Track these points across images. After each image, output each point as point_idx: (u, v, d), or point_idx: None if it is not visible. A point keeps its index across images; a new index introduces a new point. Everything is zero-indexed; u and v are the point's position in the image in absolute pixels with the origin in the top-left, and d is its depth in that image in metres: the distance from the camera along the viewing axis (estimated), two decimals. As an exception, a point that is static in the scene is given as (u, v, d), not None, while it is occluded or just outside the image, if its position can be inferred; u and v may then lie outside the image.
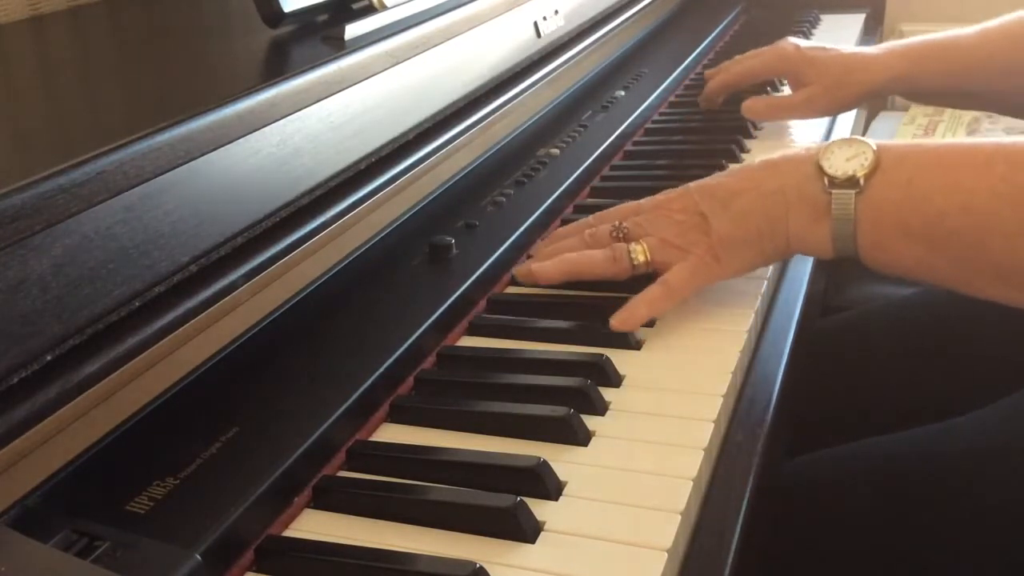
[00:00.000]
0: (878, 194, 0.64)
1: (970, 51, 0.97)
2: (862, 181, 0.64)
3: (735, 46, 1.43)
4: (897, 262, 0.66)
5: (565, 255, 0.73)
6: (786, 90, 1.12)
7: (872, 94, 1.03)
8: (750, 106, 1.05)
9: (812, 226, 0.67)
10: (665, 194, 0.74)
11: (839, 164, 0.66)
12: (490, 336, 0.69)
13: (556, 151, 0.96)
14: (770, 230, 0.68)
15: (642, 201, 0.75)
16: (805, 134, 1.06)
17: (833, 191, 0.65)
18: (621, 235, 0.72)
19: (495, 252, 0.75)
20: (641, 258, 0.70)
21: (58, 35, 0.96)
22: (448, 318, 0.68)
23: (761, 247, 0.69)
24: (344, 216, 0.68)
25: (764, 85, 1.14)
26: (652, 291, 0.68)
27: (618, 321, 0.67)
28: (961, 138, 1.52)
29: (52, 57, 0.87)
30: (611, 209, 0.77)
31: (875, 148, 0.66)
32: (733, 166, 0.73)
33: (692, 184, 0.73)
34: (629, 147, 1.04)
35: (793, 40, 1.07)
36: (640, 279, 0.71)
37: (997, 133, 1.52)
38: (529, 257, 0.79)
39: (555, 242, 0.77)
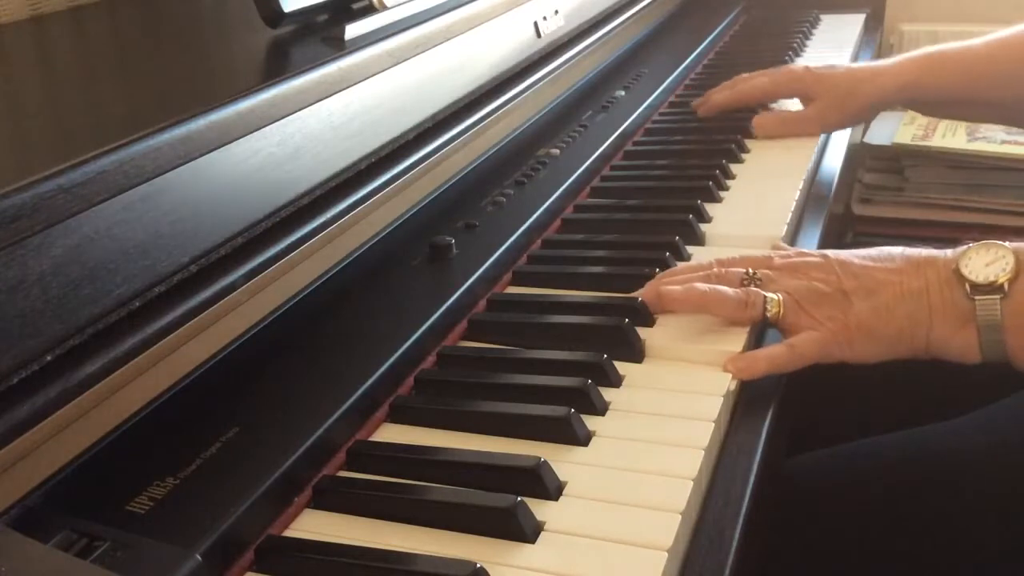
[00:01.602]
0: (1022, 298, 0.63)
1: (976, 60, 0.97)
2: (1006, 287, 0.63)
3: (735, 46, 1.43)
4: None
5: (696, 285, 0.69)
6: (788, 105, 1.11)
7: (881, 104, 1.03)
8: (761, 123, 1.05)
9: (958, 333, 0.65)
10: (801, 256, 0.72)
11: (979, 270, 0.65)
12: (490, 336, 0.69)
13: (556, 151, 0.96)
14: (910, 332, 0.66)
15: (772, 255, 0.73)
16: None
17: (977, 298, 0.64)
18: (755, 285, 0.69)
19: (495, 252, 0.75)
20: (775, 310, 0.67)
21: (58, 35, 0.96)
22: (448, 318, 0.68)
23: (896, 346, 0.67)
24: (344, 216, 0.67)
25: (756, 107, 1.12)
26: (777, 350, 0.66)
27: (736, 368, 0.64)
28: (963, 140, 1.52)
29: (52, 57, 0.87)
30: (737, 256, 0.73)
31: (1013, 250, 0.65)
32: (871, 249, 0.71)
33: (831, 254, 0.71)
34: (629, 147, 1.04)
35: (802, 63, 1.07)
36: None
37: (997, 132, 1.52)
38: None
39: (676, 275, 0.73)
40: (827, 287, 0.68)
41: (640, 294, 0.71)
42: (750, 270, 0.70)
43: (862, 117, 1.06)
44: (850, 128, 1.10)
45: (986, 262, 0.65)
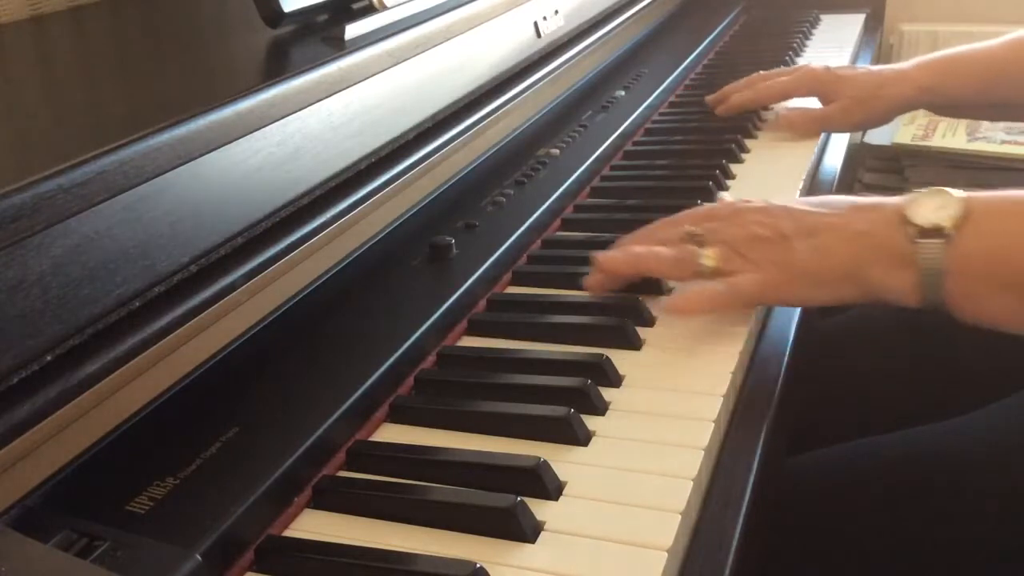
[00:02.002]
0: (967, 244, 0.62)
1: (997, 60, 0.98)
2: (951, 232, 0.62)
3: (735, 46, 1.43)
4: (988, 314, 0.63)
5: (632, 248, 0.71)
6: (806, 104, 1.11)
7: (904, 106, 1.04)
8: (792, 120, 1.05)
9: (898, 275, 0.64)
10: (743, 202, 0.72)
11: (926, 214, 0.64)
12: (490, 336, 0.69)
13: (556, 151, 0.96)
14: (852, 274, 0.66)
15: (716, 206, 0.73)
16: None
17: (920, 241, 0.63)
18: (695, 242, 0.70)
19: (495, 252, 0.75)
20: (709, 263, 0.68)
21: (58, 35, 0.96)
22: (448, 318, 0.68)
23: (837, 288, 0.66)
24: (344, 216, 0.68)
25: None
26: (716, 288, 0.67)
27: (672, 306, 0.65)
28: (963, 140, 1.52)
29: (52, 57, 0.87)
30: (683, 213, 0.74)
31: (962, 198, 0.64)
32: (816, 197, 0.71)
33: (775, 202, 0.71)
34: (629, 147, 1.04)
35: (816, 65, 1.07)
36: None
37: (997, 132, 1.52)
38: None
39: (624, 241, 0.74)
40: (766, 231, 0.68)
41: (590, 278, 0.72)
42: (692, 228, 0.70)
43: (884, 118, 1.06)
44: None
45: (934, 207, 0.64)
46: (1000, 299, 0.62)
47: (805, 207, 0.69)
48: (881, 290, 0.65)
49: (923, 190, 0.66)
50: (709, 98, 1.12)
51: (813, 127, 1.05)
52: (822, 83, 1.05)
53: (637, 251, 0.70)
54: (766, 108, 1.11)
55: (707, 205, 0.74)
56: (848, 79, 1.04)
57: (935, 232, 0.63)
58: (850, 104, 1.03)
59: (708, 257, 0.68)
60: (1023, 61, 0.96)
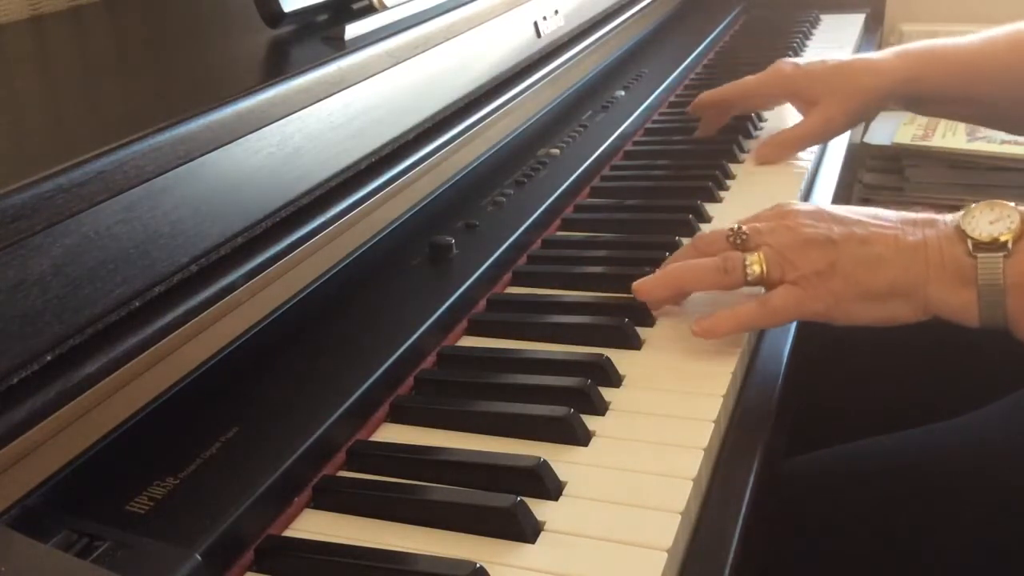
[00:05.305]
0: None
1: (974, 56, 0.93)
2: (1010, 244, 0.60)
3: (735, 46, 1.43)
4: None
5: (670, 267, 0.67)
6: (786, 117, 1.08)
7: (882, 99, 0.96)
8: (763, 153, 0.97)
9: (957, 292, 0.62)
10: (792, 205, 0.68)
11: (983, 227, 0.61)
12: (490, 336, 0.69)
13: (556, 151, 0.96)
14: (906, 290, 0.62)
15: (762, 212, 0.70)
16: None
17: (979, 255, 0.61)
18: (739, 240, 0.66)
19: (495, 252, 0.75)
20: (757, 269, 0.64)
21: (58, 35, 0.96)
22: (448, 318, 0.68)
23: (891, 306, 0.63)
24: (344, 216, 0.68)
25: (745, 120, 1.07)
26: (748, 308, 0.64)
27: (701, 328, 0.63)
28: (963, 140, 1.52)
29: (52, 57, 0.87)
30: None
31: (1020, 210, 0.62)
32: (865, 208, 0.67)
33: (825, 206, 0.67)
34: (629, 147, 1.04)
35: (789, 60, 1.00)
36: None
37: (997, 132, 1.52)
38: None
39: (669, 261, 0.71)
40: (814, 233, 0.64)
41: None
42: (736, 226, 0.67)
43: (867, 115, 1.00)
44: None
45: (990, 220, 0.62)
46: None
47: (855, 213, 0.66)
48: (939, 308, 0.63)
49: (976, 203, 0.63)
50: (691, 107, 1.07)
51: (790, 151, 0.97)
52: (792, 82, 0.97)
53: (676, 269, 0.67)
54: (757, 113, 1.09)
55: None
56: (820, 77, 0.96)
57: (994, 245, 0.61)
58: (833, 113, 0.94)
59: (754, 262, 0.64)
60: (998, 61, 0.92)
